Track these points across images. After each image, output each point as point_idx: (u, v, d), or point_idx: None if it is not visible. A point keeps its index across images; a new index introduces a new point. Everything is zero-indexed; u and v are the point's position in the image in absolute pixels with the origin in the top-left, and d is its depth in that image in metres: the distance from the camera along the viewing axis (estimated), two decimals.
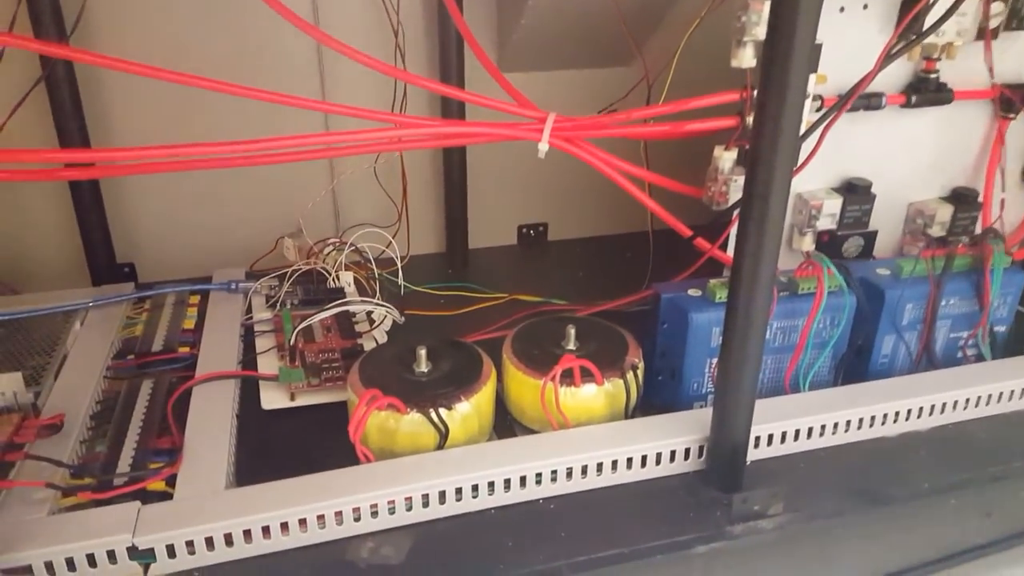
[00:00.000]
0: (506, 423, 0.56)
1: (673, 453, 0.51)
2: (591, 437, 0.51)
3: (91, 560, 0.42)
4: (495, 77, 0.55)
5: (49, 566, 0.41)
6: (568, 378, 0.52)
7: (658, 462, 0.51)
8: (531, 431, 0.54)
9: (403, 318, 0.66)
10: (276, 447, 0.55)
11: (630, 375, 0.53)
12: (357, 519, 0.46)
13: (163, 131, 0.75)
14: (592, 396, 0.52)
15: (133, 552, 0.43)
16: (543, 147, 0.48)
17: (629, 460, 0.50)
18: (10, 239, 0.75)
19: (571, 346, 0.55)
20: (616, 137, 0.56)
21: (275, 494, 0.46)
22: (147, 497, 0.46)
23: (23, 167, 0.57)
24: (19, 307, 0.64)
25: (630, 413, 0.54)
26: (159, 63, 0.50)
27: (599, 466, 0.50)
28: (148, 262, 0.81)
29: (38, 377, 0.56)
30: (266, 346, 0.63)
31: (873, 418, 0.55)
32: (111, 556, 0.42)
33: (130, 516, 0.43)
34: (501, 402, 0.56)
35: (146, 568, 0.43)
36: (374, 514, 0.46)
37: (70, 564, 0.42)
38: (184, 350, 0.61)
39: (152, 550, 0.43)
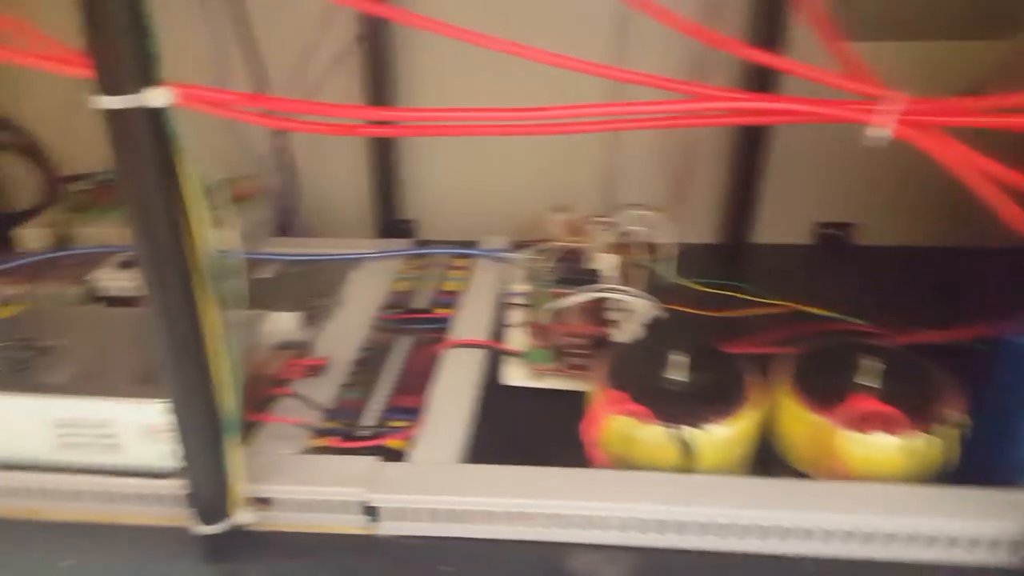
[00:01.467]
0: (768, 457, 0.47)
1: (985, 540, 0.39)
2: (881, 497, 0.41)
3: (325, 506, 0.43)
4: (828, 44, 0.46)
5: (289, 503, 0.44)
6: (861, 421, 0.42)
7: (960, 546, 0.39)
8: (799, 474, 0.45)
9: (663, 313, 0.60)
10: (509, 426, 0.52)
11: (946, 431, 0.42)
12: (583, 527, 0.42)
13: (452, 92, 0.76)
14: (890, 449, 0.42)
15: (364, 507, 0.43)
16: (882, 133, 0.38)
17: (928, 536, 0.39)
18: (315, 185, 0.82)
19: (869, 382, 0.44)
20: (986, 127, 0.42)
21: (506, 480, 0.43)
22: (385, 453, 0.46)
23: (330, 121, 0.61)
24: (312, 249, 0.70)
25: (937, 480, 0.42)
26: (455, 22, 0.49)
27: (886, 535, 0.40)
28: (426, 219, 0.84)
29: (314, 317, 0.60)
30: (517, 320, 0.61)
31: None
32: (344, 507, 0.43)
33: (366, 470, 0.44)
34: (766, 432, 0.47)
35: (373, 526, 0.44)
36: (602, 526, 0.42)
37: (307, 505, 0.43)
38: (442, 312, 0.62)
39: (381, 509, 0.43)
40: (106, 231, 0.71)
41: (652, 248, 0.68)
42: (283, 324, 0.54)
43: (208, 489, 0.41)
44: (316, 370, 0.52)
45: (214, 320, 0.38)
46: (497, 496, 0.42)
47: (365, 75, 0.75)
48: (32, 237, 0.72)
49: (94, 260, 0.67)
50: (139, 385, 0.44)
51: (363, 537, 0.43)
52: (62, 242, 0.71)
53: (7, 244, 0.72)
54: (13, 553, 0.43)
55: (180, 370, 0.38)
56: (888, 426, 0.42)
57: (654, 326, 0.59)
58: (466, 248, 0.71)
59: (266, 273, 0.67)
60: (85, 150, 0.82)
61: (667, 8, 0.46)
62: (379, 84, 0.75)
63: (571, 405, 0.51)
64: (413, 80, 0.77)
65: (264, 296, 0.63)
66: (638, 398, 0.44)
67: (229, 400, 0.40)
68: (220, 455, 0.40)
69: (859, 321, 0.61)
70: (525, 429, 0.52)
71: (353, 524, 0.44)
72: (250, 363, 0.48)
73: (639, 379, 0.46)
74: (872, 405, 0.42)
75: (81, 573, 0.42)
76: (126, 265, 0.65)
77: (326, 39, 0.73)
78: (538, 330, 0.58)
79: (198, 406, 0.39)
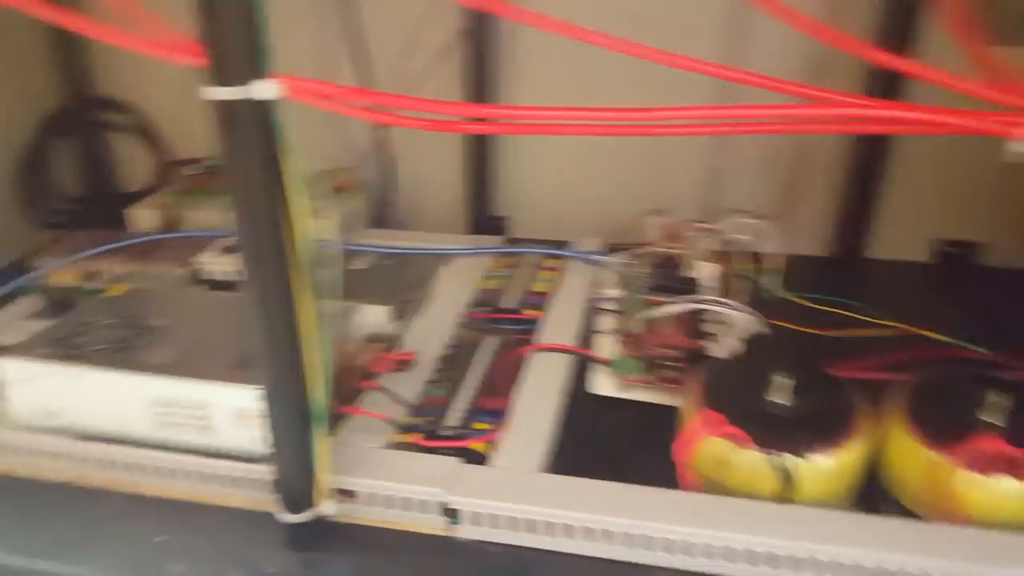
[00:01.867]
0: (875, 493, 0.44)
1: None
2: (999, 545, 0.37)
3: (406, 504, 0.43)
4: (966, 46, 0.42)
5: (371, 497, 0.44)
6: (984, 462, 0.38)
7: None
8: (908, 513, 0.41)
9: (766, 329, 0.56)
10: (594, 436, 0.51)
11: None
12: (668, 551, 0.40)
13: (554, 89, 0.75)
14: (1013, 494, 0.38)
15: (443, 509, 0.43)
16: (1022, 148, 0.34)
17: None
18: (412, 179, 0.83)
19: (994, 418, 0.40)
20: None
21: (589, 494, 0.42)
22: (467, 455, 0.45)
23: (430, 117, 0.61)
24: (404, 242, 0.71)
25: None
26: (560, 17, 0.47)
27: None
28: (519, 217, 0.83)
29: (404, 311, 0.60)
30: (607, 326, 0.59)
31: None
32: (423, 506, 0.43)
33: (448, 472, 0.43)
34: (875, 465, 0.44)
35: (452, 528, 0.43)
36: (688, 552, 0.40)
37: (388, 501, 0.43)
38: (530, 313, 0.61)
39: (460, 512, 0.42)
40: (212, 215, 0.74)
41: (756, 258, 0.65)
42: (374, 317, 0.54)
43: (294, 477, 0.41)
44: (404, 364, 0.52)
45: (309, 310, 0.38)
46: (579, 510, 0.41)
47: (467, 71, 0.74)
48: (142, 218, 0.75)
49: (199, 243, 0.69)
50: (235, 370, 0.45)
51: (441, 538, 0.43)
52: (171, 224, 0.74)
53: (121, 223, 0.75)
54: (113, 524, 0.45)
55: (273, 358, 0.38)
56: (1013, 469, 0.38)
57: (755, 342, 0.56)
58: (558, 248, 0.70)
59: (359, 264, 0.67)
60: (197, 135, 0.85)
61: (788, 6, 0.43)
62: (480, 80, 0.74)
63: (660, 420, 0.49)
64: (515, 76, 0.76)
65: (356, 288, 0.63)
66: (735, 420, 0.41)
67: (319, 390, 0.40)
68: (307, 444, 0.40)
69: (983, 349, 0.55)
70: (611, 441, 0.50)
71: (432, 524, 0.43)
72: (340, 354, 0.49)
73: (737, 399, 0.43)
74: (996, 445, 0.38)
75: (172, 549, 0.43)
76: (229, 250, 0.67)
77: (430, 34, 0.73)
78: (629, 339, 0.55)
79: (289, 394, 0.39)
